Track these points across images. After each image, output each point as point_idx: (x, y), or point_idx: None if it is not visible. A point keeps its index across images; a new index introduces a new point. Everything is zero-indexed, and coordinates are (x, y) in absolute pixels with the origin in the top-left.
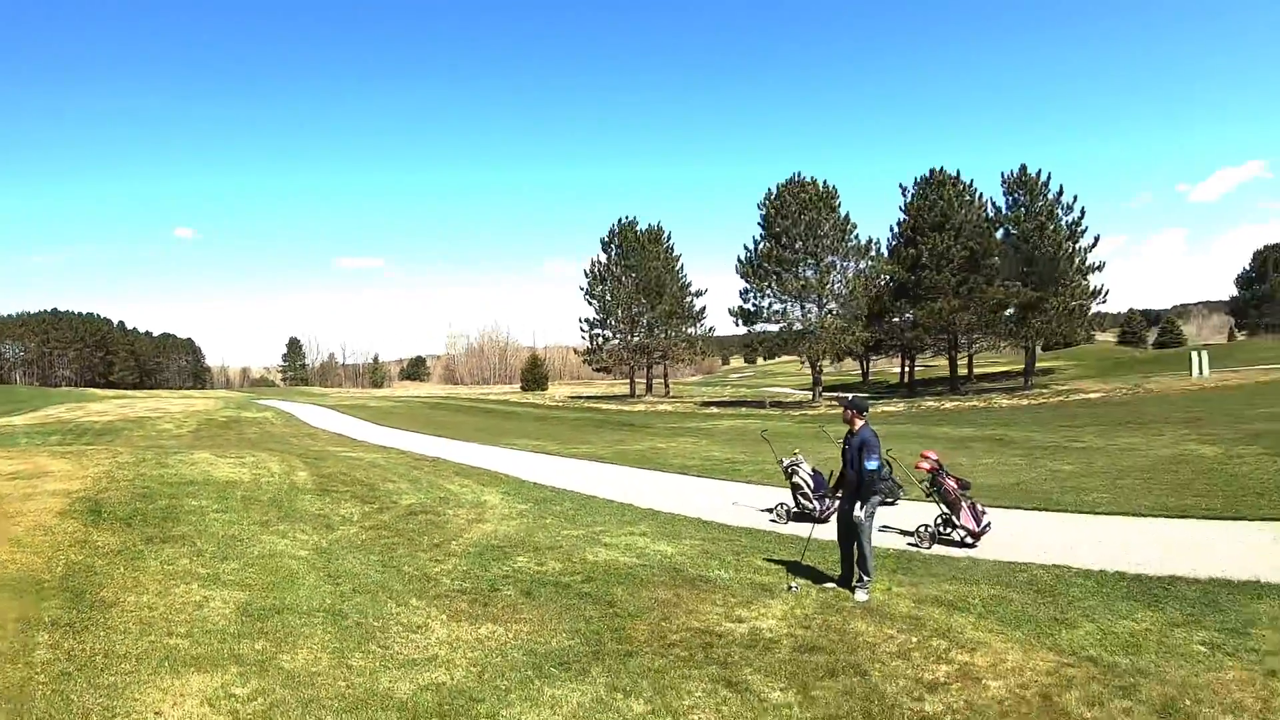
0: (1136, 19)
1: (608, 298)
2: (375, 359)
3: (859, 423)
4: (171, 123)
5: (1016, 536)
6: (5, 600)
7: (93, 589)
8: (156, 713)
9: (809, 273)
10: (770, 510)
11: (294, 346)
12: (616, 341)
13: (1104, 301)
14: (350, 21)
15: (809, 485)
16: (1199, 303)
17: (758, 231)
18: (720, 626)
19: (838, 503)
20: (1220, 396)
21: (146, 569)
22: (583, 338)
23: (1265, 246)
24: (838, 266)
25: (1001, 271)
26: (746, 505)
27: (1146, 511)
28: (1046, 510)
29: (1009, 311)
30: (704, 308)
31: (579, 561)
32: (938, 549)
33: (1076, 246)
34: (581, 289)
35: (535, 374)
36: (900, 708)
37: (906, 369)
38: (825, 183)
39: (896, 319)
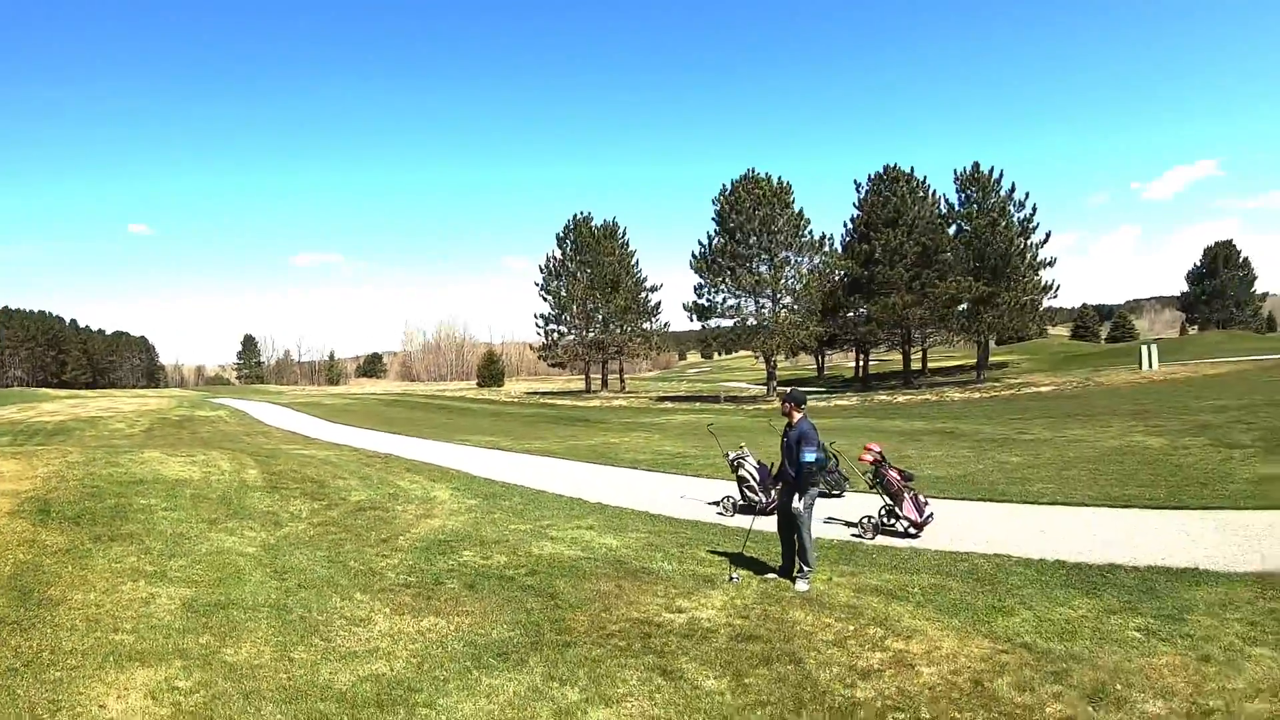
0: (1092, 19)
1: (563, 293)
2: (331, 356)
3: (797, 415)
4: (126, 117)
5: (960, 527)
6: None
7: (40, 587)
8: (101, 706)
9: (763, 268)
10: (717, 503)
11: (249, 344)
12: (572, 337)
13: (1055, 297)
14: (308, 18)
15: (755, 478)
16: (1152, 298)
17: (712, 227)
18: (660, 617)
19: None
20: (1169, 389)
21: (94, 567)
22: (538, 333)
23: (1215, 243)
24: (792, 262)
25: (954, 267)
26: (694, 498)
27: (1090, 501)
28: (991, 501)
29: (961, 306)
30: (659, 303)
31: (524, 555)
32: (881, 539)
33: (1028, 242)
34: (537, 285)
35: (492, 370)
36: (832, 694)
37: (861, 363)
38: (780, 179)
39: (850, 314)
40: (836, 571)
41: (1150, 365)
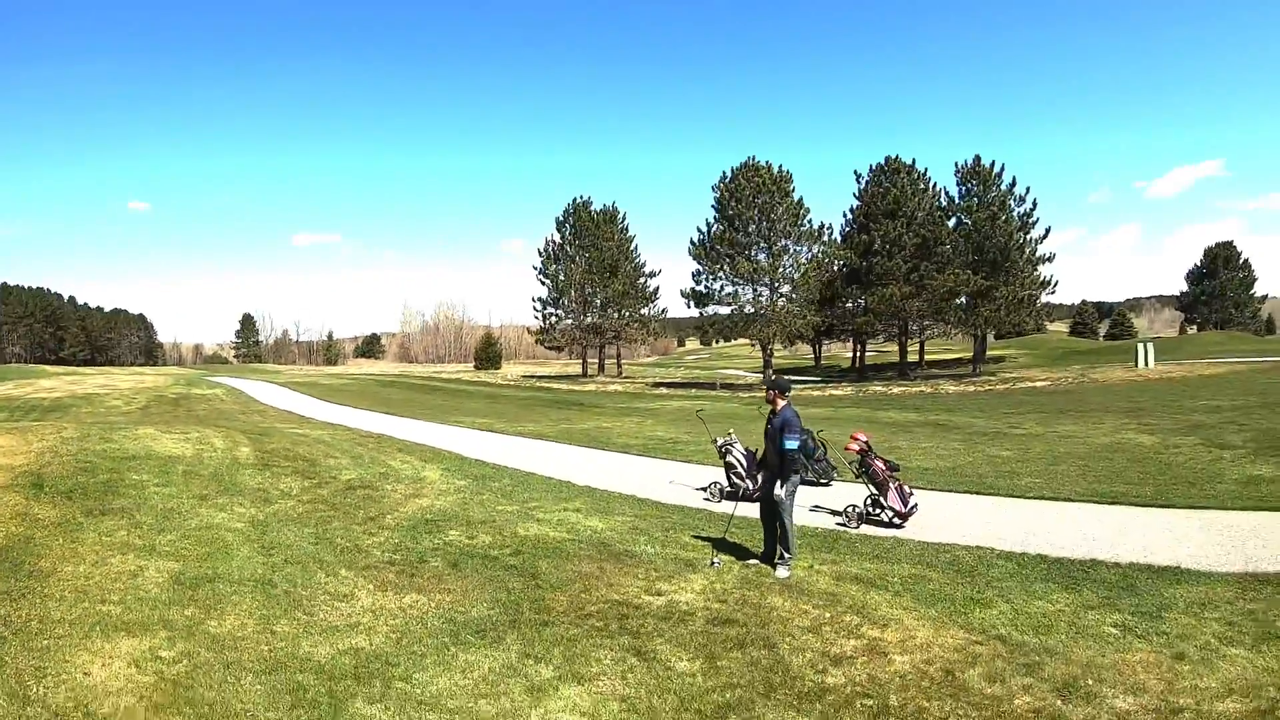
0: (1100, 18)
1: (561, 277)
2: (330, 336)
3: (781, 403)
4: (127, 96)
5: (945, 519)
6: None
7: (31, 559)
8: (86, 673)
9: (761, 256)
10: (705, 489)
11: (248, 323)
12: (569, 321)
13: (1053, 292)
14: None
15: (742, 465)
16: (1152, 297)
17: (711, 214)
18: (639, 599)
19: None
20: (1163, 388)
21: (84, 540)
22: (535, 317)
23: (1216, 244)
24: (790, 251)
25: (953, 260)
26: (682, 484)
27: (1077, 497)
28: (979, 494)
29: (959, 299)
30: (657, 288)
31: (509, 535)
32: (865, 529)
33: (1027, 237)
34: (535, 268)
35: (489, 353)
36: (802, 679)
37: (857, 354)
38: (780, 168)
39: (848, 304)
40: (818, 559)
41: (1146, 364)
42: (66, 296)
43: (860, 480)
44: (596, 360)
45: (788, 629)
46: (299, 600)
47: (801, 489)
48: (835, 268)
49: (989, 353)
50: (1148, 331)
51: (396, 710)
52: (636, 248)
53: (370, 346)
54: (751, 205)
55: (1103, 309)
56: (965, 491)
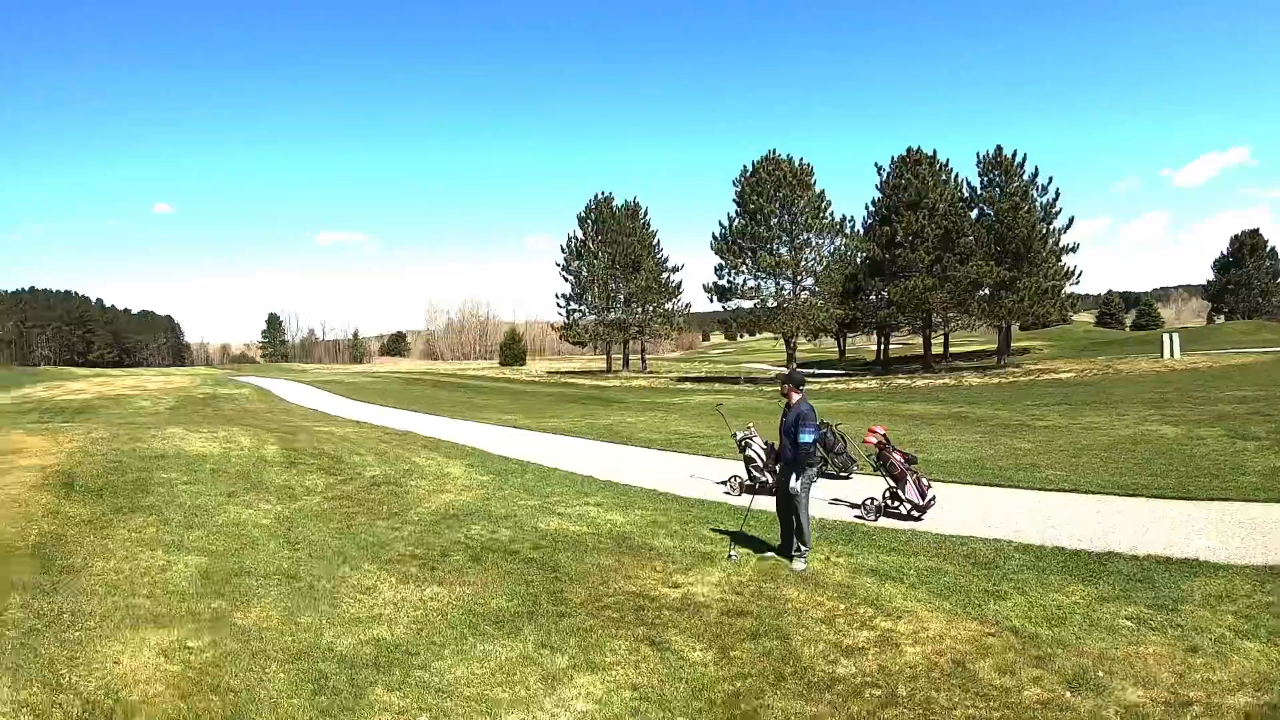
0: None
1: (584, 273)
2: (355, 335)
3: (795, 396)
4: (151, 98)
5: (964, 511)
6: None
7: (63, 555)
8: (116, 662)
9: (783, 250)
10: (724, 483)
11: (274, 323)
12: (593, 317)
13: (1077, 283)
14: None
15: (761, 458)
16: (1179, 286)
17: (733, 208)
18: (655, 591)
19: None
20: (1189, 378)
21: (115, 536)
22: (559, 313)
23: (1242, 232)
24: (812, 244)
25: (975, 251)
26: (703, 477)
27: (1098, 489)
28: (1000, 486)
29: (983, 291)
30: (680, 283)
31: (530, 530)
32: (883, 521)
33: (1051, 228)
34: (558, 265)
35: (514, 349)
36: (813, 669)
37: (881, 347)
38: (801, 160)
39: (871, 296)
40: (835, 551)
41: (1172, 354)
42: (94, 299)
43: (878, 473)
44: (621, 355)
45: (801, 620)
46: (323, 593)
47: (822, 481)
48: (858, 260)
49: (1014, 345)
50: (1175, 321)
51: (414, 697)
52: (659, 243)
53: (395, 344)
54: (773, 199)
55: (1129, 299)
56: (986, 484)
